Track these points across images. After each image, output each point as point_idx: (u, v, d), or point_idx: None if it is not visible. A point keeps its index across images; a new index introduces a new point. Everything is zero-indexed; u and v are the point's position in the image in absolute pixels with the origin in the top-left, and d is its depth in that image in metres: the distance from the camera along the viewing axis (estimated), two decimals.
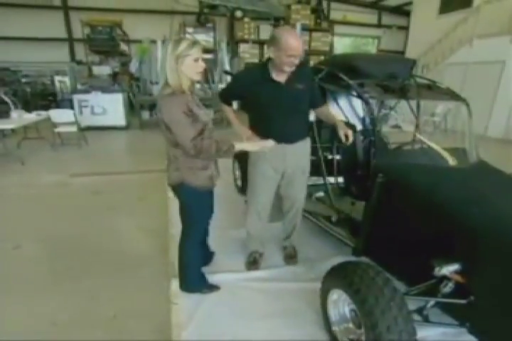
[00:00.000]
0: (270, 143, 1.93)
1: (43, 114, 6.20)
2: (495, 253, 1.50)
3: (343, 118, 2.25)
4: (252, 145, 1.95)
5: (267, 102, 2.12)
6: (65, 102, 9.49)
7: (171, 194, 3.82)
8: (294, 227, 2.57)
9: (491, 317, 1.53)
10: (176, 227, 3.05)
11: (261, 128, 2.18)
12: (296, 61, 1.97)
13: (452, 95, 2.48)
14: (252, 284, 2.30)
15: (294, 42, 1.90)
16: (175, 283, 2.23)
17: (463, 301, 1.59)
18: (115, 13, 11.12)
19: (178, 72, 1.69)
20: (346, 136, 2.08)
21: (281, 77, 2.08)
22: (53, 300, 2.20)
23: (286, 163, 2.24)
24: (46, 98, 10.71)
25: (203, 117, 1.79)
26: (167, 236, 2.92)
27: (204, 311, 2.04)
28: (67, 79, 10.26)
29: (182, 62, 1.68)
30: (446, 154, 2.24)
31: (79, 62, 11.15)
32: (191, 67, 1.71)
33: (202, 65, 1.74)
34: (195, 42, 1.71)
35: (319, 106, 2.29)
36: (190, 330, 1.89)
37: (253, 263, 2.52)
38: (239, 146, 1.83)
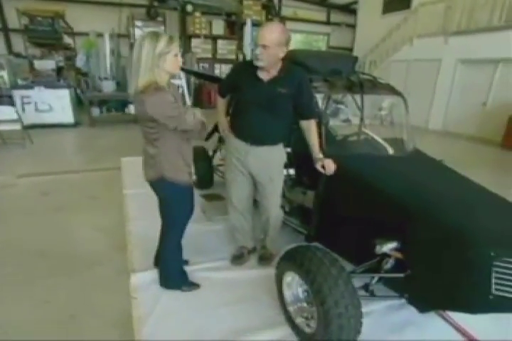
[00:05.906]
0: None
1: None
2: (425, 231, 1.69)
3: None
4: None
5: (243, 97, 2.13)
6: (4, 98, 8.80)
7: (126, 191, 3.79)
8: (266, 234, 2.50)
9: (424, 287, 1.73)
10: (133, 224, 3.04)
11: (232, 121, 2.25)
12: (259, 51, 1.90)
13: (391, 90, 2.70)
14: (210, 274, 2.37)
15: (260, 31, 1.90)
16: (134, 278, 2.24)
17: (401, 275, 1.78)
18: (56, 3, 10.42)
19: (160, 68, 1.69)
20: (323, 167, 2.10)
21: (265, 75, 2.03)
22: (1, 306, 2.09)
23: (249, 164, 2.20)
24: None
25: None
26: (124, 233, 2.89)
27: (165, 303, 2.07)
28: (4, 74, 9.50)
29: (164, 59, 1.69)
30: (386, 144, 2.46)
31: (17, 55, 10.34)
32: (173, 63, 1.73)
33: (180, 59, 1.78)
34: (172, 38, 1.72)
35: (303, 118, 2.17)
36: (152, 323, 1.91)
37: (238, 257, 2.50)
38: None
